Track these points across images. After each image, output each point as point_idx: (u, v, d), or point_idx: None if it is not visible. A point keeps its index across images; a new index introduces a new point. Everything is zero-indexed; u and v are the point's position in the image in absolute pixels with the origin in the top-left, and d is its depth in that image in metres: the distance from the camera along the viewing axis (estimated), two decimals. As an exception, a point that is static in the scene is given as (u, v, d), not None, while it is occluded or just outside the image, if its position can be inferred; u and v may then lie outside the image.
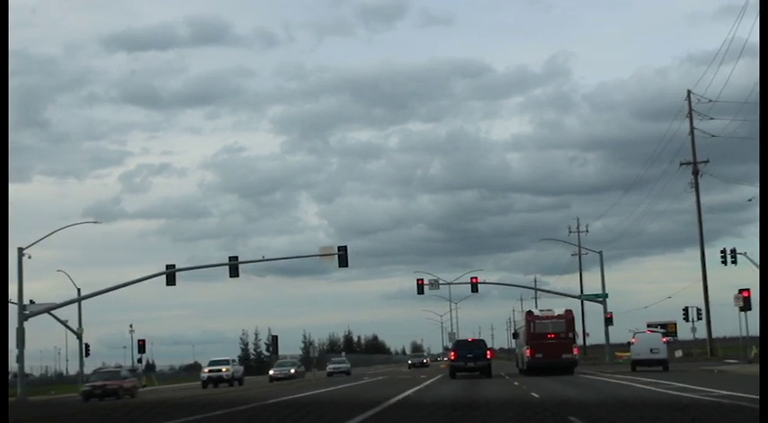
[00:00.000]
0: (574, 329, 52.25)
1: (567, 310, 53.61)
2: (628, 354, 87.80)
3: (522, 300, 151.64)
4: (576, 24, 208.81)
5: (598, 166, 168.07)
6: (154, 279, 58.11)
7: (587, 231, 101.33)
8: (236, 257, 61.85)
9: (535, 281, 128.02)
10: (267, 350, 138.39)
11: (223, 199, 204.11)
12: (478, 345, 53.09)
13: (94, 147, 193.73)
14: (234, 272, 61.38)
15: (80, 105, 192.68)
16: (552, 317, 52.19)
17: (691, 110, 75.70)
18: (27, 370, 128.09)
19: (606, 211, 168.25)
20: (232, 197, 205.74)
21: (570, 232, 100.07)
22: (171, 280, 61.03)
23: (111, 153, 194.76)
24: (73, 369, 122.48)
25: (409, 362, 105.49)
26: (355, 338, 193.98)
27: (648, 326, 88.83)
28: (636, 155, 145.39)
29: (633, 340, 57.11)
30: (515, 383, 41.19)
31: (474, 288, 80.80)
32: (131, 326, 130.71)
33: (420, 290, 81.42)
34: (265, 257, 63.46)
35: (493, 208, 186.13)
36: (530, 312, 53.30)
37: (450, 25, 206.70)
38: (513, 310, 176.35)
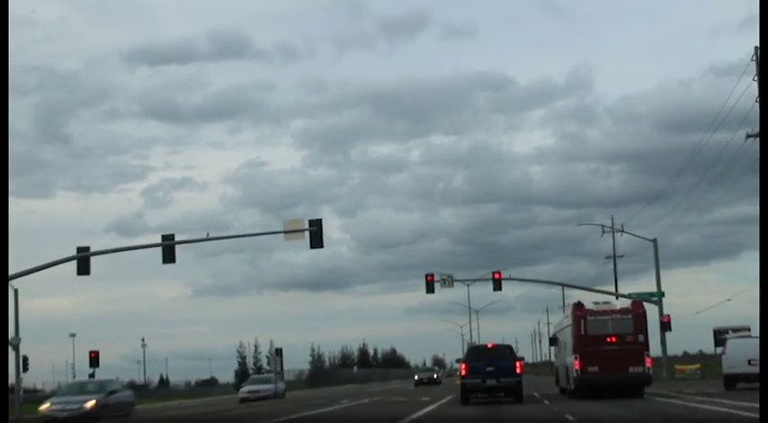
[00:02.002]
0: (646, 330, 35.22)
1: (635, 303, 36.64)
2: (691, 367, 71.67)
3: (548, 311, 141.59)
4: (598, 36, 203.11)
5: (621, 178, 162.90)
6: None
7: (622, 231, 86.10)
8: (172, 236, 45.53)
9: (563, 289, 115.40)
10: (268, 364, 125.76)
11: (245, 213, 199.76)
12: (502, 353, 35.75)
13: (117, 161, 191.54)
14: (168, 256, 45.01)
15: (102, 120, 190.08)
16: (613, 311, 35.25)
17: (760, 69, 59.11)
18: (39, 386, 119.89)
19: (625, 222, 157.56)
20: (254, 211, 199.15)
21: (604, 232, 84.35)
22: (83, 268, 44.62)
23: (134, 168, 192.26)
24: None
25: (416, 378, 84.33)
26: (371, 352, 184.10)
27: (716, 332, 72.75)
28: (659, 167, 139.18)
29: (725, 349, 40.53)
30: (569, 418, 24.34)
31: (496, 285, 64.25)
32: (143, 340, 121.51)
33: (430, 288, 65.34)
34: (209, 235, 47.19)
35: (515, 221, 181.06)
36: (579, 305, 36.09)
37: (472, 37, 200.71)
38: (539, 322, 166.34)
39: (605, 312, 35.08)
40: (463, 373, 35.05)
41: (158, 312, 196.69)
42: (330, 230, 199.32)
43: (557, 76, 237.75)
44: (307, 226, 44.45)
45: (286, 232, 45.17)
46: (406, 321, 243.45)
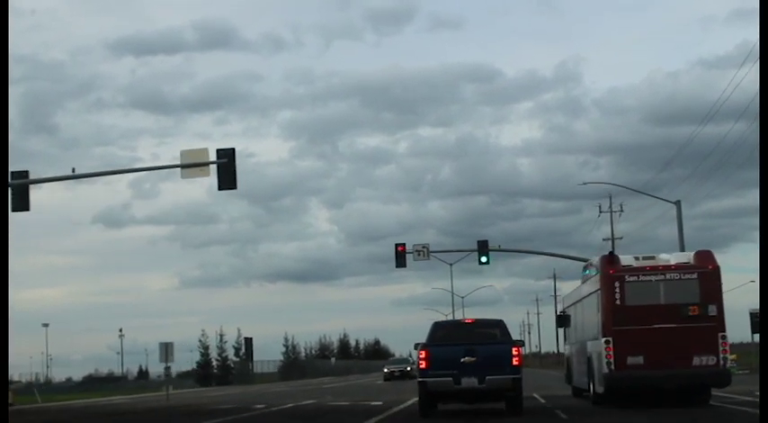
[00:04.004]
0: (720, 297, 22.10)
1: (700, 254, 23.25)
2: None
3: (537, 301, 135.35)
4: (587, 28, 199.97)
5: (609, 170, 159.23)
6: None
7: (621, 211, 76.09)
8: (26, 172, 32.40)
9: (555, 278, 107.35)
10: (236, 355, 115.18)
11: (232, 205, 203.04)
12: (488, 332, 21.89)
13: (104, 152, 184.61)
14: (20, 202, 31.87)
15: (89, 111, 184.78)
16: (666, 268, 22.10)
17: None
18: (16, 377, 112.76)
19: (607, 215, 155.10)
20: (242, 203, 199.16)
21: (601, 212, 74.31)
22: None
23: (121, 159, 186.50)
24: (60, 375, 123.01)
25: (385, 370, 72.65)
26: (353, 343, 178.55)
27: (753, 315, 60.36)
28: (647, 159, 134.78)
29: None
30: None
31: (481, 250, 52.24)
32: (121, 330, 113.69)
33: (401, 260, 52.84)
34: (75, 171, 34.05)
35: (504, 213, 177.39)
36: (611, 259, 22.97)
37: (459, 29, 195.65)
38: (528, 313, 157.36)
39: (654, 270, 21.96)
40: (422, 365, 21.11)
41: (146, 303, 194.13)
42: (318, 222, 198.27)
43: (544, 69, 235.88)
44: (211, 157, 31.29)
45: (184, 167, 32.03)
46: (394, 313, 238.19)
